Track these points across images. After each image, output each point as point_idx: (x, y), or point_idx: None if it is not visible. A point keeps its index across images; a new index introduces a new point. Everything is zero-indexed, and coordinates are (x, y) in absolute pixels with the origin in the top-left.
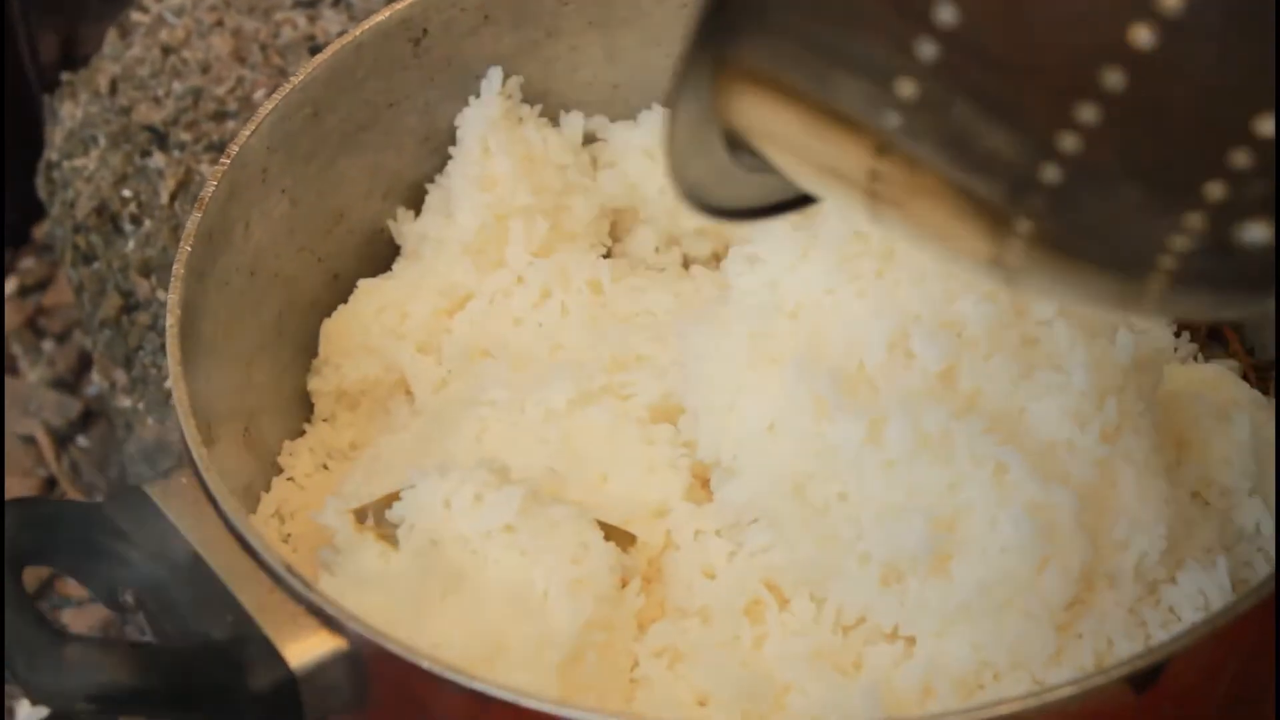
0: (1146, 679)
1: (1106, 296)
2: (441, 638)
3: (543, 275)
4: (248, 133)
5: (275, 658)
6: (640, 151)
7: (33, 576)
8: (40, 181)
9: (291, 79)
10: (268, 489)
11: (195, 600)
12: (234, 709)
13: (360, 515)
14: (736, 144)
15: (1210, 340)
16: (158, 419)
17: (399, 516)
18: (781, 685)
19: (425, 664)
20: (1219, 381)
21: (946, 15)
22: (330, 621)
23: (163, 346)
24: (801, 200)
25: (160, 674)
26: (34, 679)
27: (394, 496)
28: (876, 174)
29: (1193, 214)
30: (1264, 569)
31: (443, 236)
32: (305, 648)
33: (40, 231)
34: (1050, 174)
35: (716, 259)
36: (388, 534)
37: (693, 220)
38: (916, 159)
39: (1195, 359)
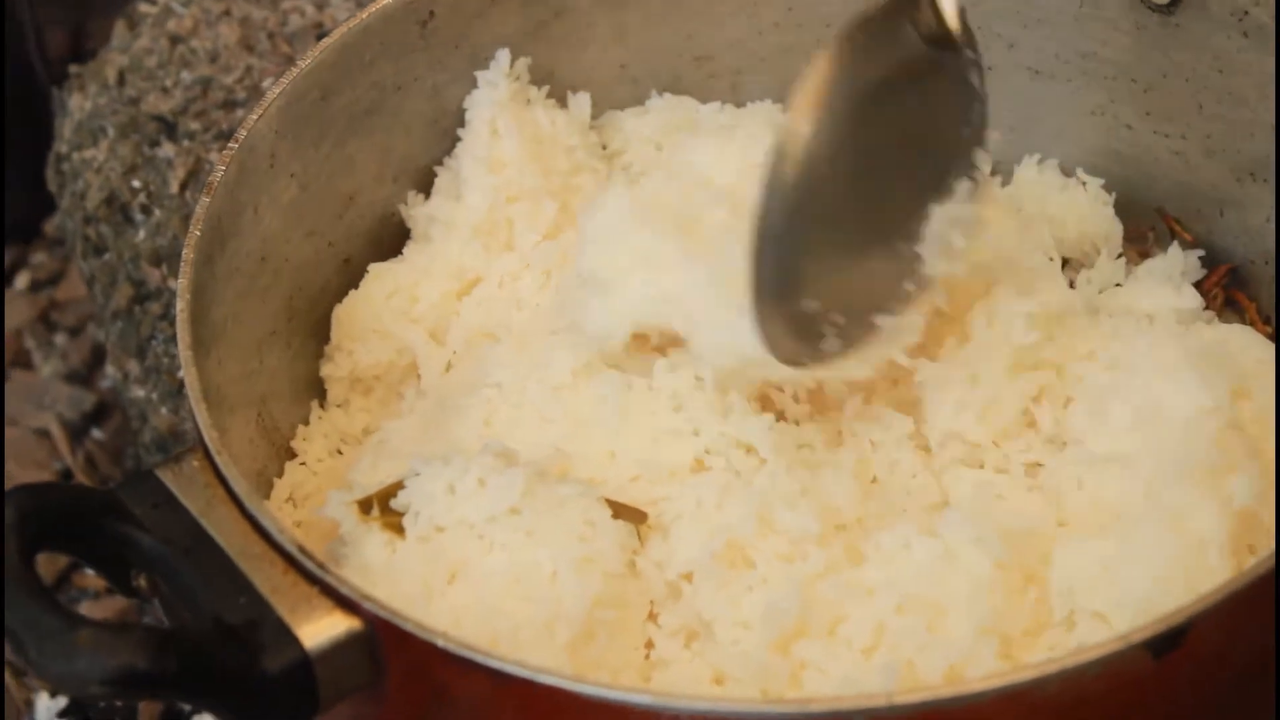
0: (1165, 645)
1: None
2: (449, 623)
3: (549, 257)
4: (255, 117)
5: (290, 639)
6: (648, 142)
7: (50, 569)
8: (50, 174)
9: (299, 63)
10: (280, 474)
11: (208, 583)
12: (249, 691)
13: (365, 506)
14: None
15: (1227, 307)
16: (171, 409)
17: (404, 505)
18: (798, 662)
19: (441, 643)
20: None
21: None
22: (345, 602)
23: (175, 336)
24: None
25: (174, 657)
26: (47, 664)
27: (398, 485)
28: None
29: None
30: None
31: (452, 219)
32: (320, 628)
33: (51, 226)
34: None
35: None
36: (394, 523)
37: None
38: None
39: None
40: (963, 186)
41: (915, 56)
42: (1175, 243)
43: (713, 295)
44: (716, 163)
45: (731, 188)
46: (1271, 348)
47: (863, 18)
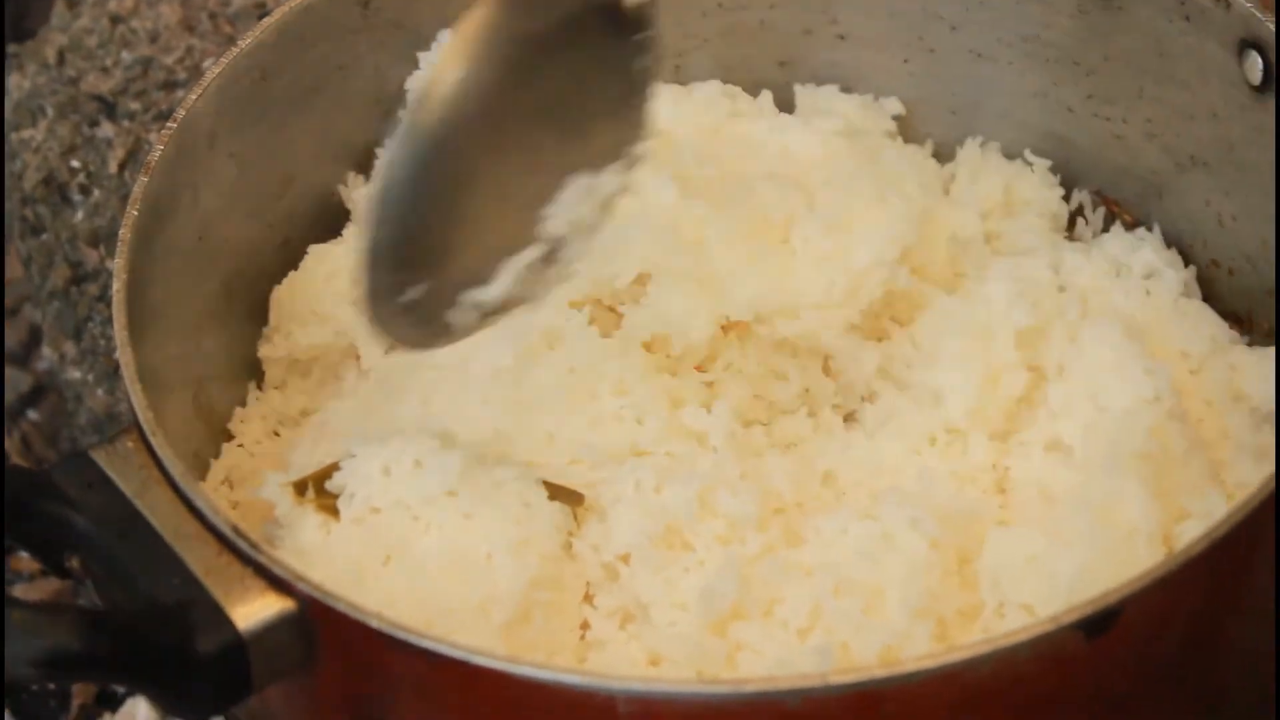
0: (1097, 626)
1: None
2: (384, 604)
3: None
4: (194, 97)
5: (223, 620)
6: None
7: None
8: None
9: (239, 42)
10: (217, 456)
11: (142, 564)
12: (182, 672)
13: (300, 488)
14: None
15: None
16: (107, 390)
17: (339, 486)
18: (735, 644)
19: (375, 623)
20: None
21: None
22: (278, 583)
23: (112, 317)
24: None
25: (107, 638)
26: None
27: (334, 467)
28: None
29: None
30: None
31: None
32: (253, 610)
33: None
34: None
35: None
36: (329, 505)
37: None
38: None
39: None
40: (611, 165)
41: (581, 17)
42: (1118, 224)
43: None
44: (674, 117)
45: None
46: (1224, 325)
47: None
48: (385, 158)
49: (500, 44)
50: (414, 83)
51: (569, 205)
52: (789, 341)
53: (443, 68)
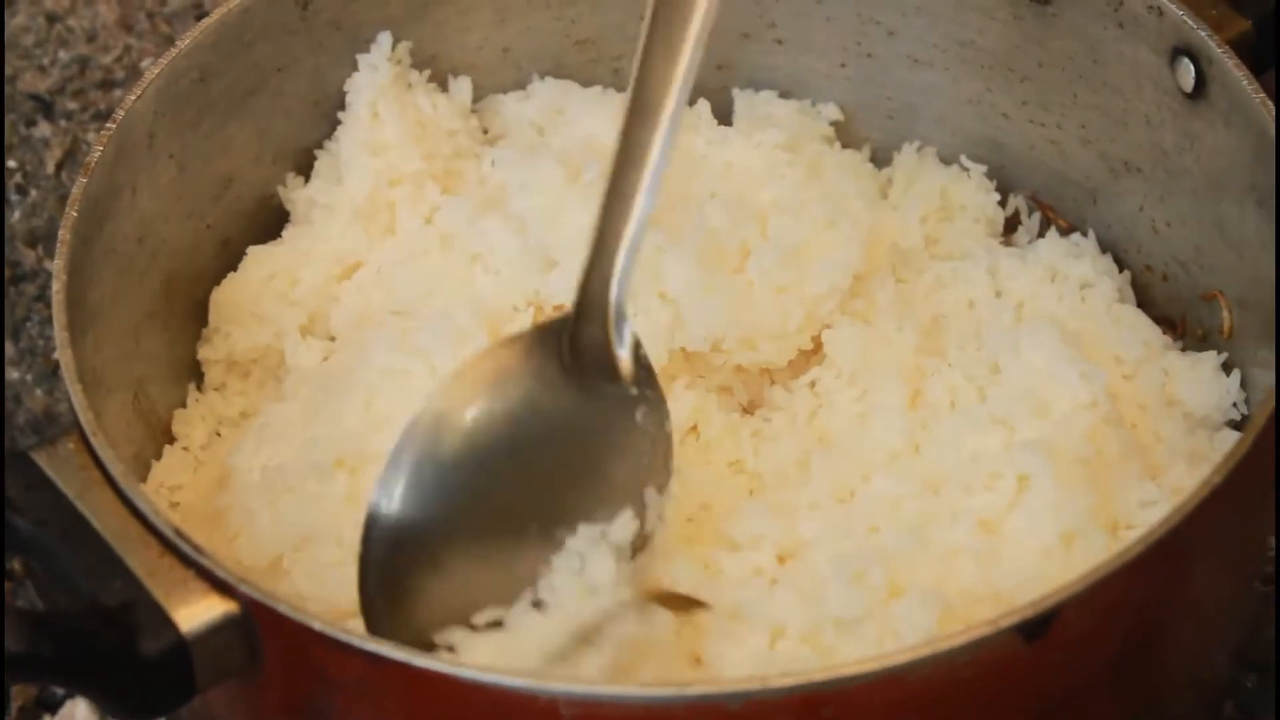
0: (1037, 628)
1: None
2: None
3: (429, 240)
4: (134, 97)
5: (165, 622)
6: (530, 125)
7: None
8: None
9: (178, 42)
10: (157, 457)
11: (83, 566)
12: (124, 674)
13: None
14: None
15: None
16: (46, 391)
17: None
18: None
19: (318, 625)
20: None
21: None
22: (221, 585)
23: (50, 317)
24: None
25: (49, 640)
26: None
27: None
28: None
29: None
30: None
31: (333, 202)
32: (196, 612)
33: None
34: None
35: None
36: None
37: None
38: None
39: None
40: (623, 516)
41: (589, 369)
42: (1053, 229)
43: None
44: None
45: None
46: (1158, 331)
47: (548, 324)
48: (383, 479)
49: (516, 384)
50: (420, 414)
51: (576, 553)
52: (743, 368)
53: (452, 399)
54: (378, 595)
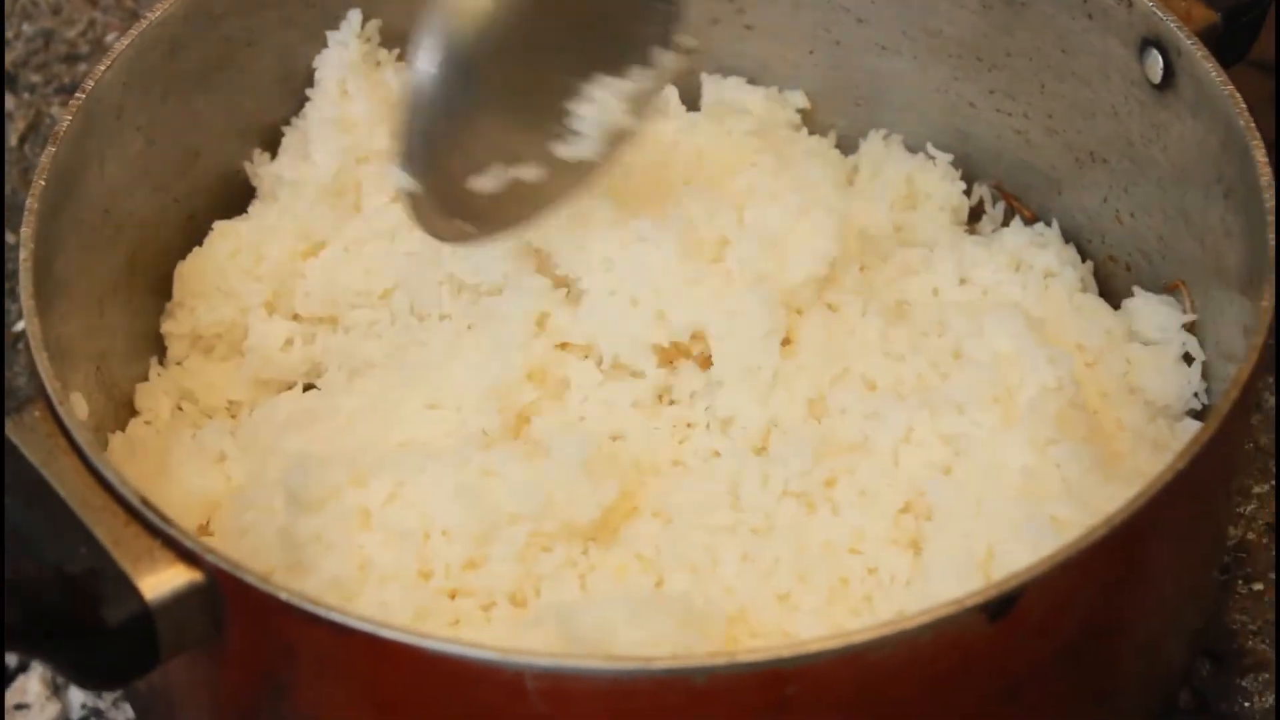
0: (999, 609)
1: None
2: None
3: (396, 220)
4: (103, 68)
5: (130, 590)
6: None
7: None
8: None
9: (148, 15)
10: (117, 429)
11: (48, 533)
12: (88, 642)
13: None
14: None
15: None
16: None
17: None
18: None
19: (283, 595)
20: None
21: None
22: (187, 554)
23: (9, 291)
24: None
25: (13, 607)
26: None
27: None
28: None
29: None
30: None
31: (299, 179)
32: (160, 580)
33: None
34: None
35: None
36: None
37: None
38: None
39: None
40: (636, 71)
41: None
42: (1017, 218)
43: None
44: None
45: None
46: (1120, 320)
47: None
48: (417, 63)
49: None
50: None
51: (594, 103)
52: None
53: None
54: (417, 155)
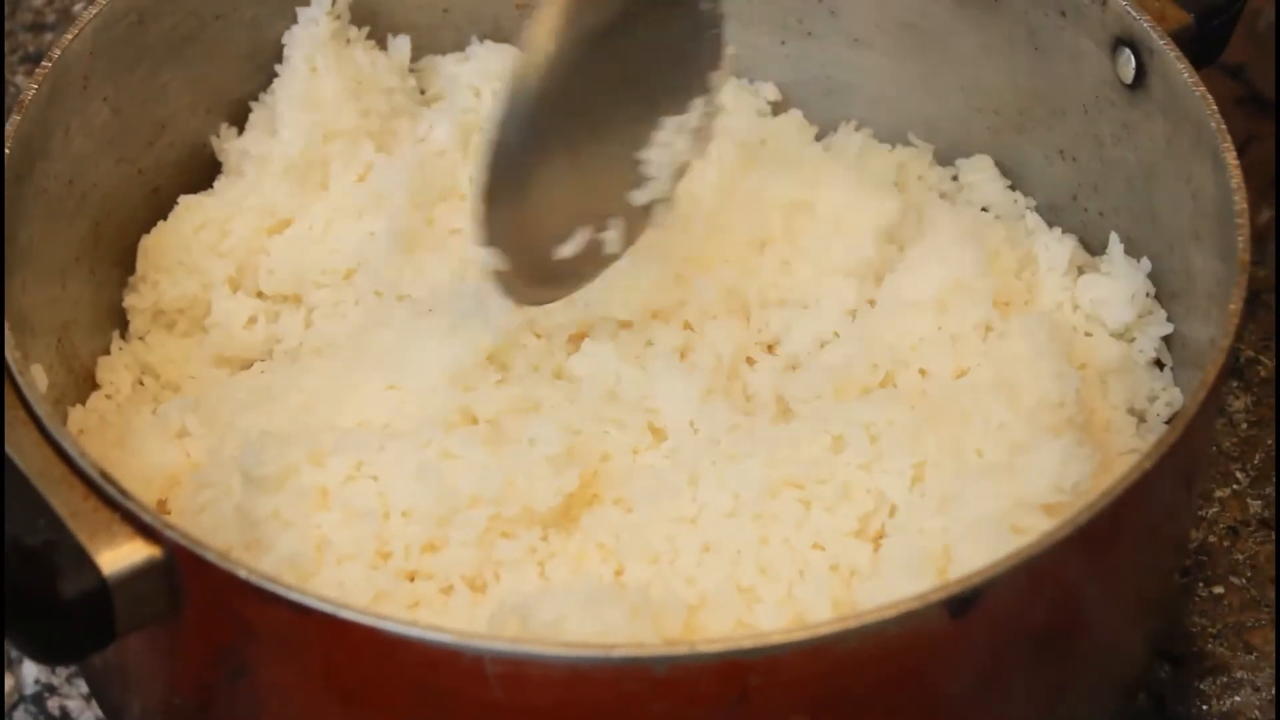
0: (961, 606)
1: None
2: None
3: (363, 199)
4: (70, 37)
5: (87, 565)
6: (468, 88)
7: None
8: None
9: None
10: (77, 403)
11: (6, 505)
12: (43, 615)
13: None
14: None
15: None
16: None
17: None
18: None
19: (242, 573)
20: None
21: None
22: (145, 529)
23: None
24: None
25: None
26: None
27: None
28: None
29: None
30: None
31: (266, 154)
32: (119, 555)
33: None
34: None
35: None
36: None
37: None
38: None
39: None
40: (696, 103)
41: None
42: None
43: None
44: None
45: None
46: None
47: None
48: (497, 121)
49: (586, 13)
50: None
51: (664, 146)
52: None
53: (537, 38)
54: (502, 233)
